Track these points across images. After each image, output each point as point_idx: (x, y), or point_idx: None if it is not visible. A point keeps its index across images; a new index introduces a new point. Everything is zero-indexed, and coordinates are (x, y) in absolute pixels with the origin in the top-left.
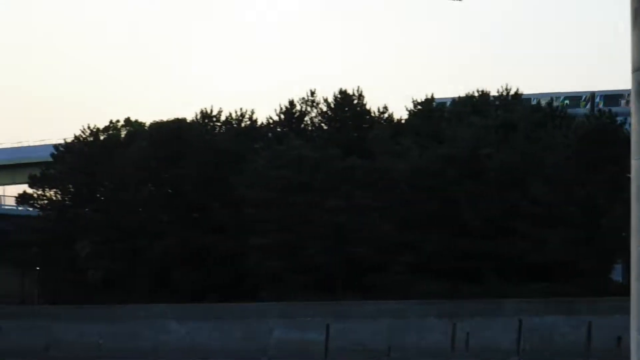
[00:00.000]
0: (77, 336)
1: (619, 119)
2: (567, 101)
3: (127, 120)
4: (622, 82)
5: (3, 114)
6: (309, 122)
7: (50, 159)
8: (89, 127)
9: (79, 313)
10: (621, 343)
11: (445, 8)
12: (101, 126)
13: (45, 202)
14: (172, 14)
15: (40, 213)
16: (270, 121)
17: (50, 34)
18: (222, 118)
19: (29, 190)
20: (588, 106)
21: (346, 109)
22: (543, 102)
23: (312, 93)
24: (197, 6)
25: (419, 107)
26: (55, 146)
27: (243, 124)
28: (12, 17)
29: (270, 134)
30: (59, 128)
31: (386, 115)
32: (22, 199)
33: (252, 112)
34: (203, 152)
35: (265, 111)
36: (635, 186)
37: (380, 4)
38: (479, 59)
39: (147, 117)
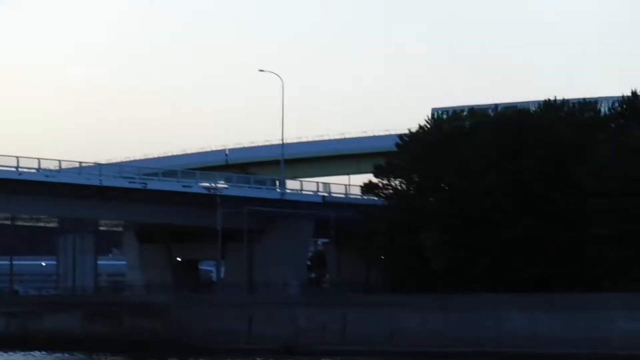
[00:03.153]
0: (420, 324)
1: None
2: None
3: (471, 110)
4: None
5: (348, 106)
6: None
7: (394, 149)
8: (433, 117)
9: (422, 302)
10: None
11: None
12: (445, 116)
13: (390, 191)
14: None
15: (385, 202)
16: (614, 112)
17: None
18: (565, 109)
19: (374, 180)
20: None
21: None
22: None
23: None
24: None
25: None
26: (400, 136)
27: (586, 115)
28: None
29: (612, 125)
30: (403, 118)
31: None
32: (367, 188)
33: (596, 103)
34: (545, 143)
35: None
36: None
37: None
38: None
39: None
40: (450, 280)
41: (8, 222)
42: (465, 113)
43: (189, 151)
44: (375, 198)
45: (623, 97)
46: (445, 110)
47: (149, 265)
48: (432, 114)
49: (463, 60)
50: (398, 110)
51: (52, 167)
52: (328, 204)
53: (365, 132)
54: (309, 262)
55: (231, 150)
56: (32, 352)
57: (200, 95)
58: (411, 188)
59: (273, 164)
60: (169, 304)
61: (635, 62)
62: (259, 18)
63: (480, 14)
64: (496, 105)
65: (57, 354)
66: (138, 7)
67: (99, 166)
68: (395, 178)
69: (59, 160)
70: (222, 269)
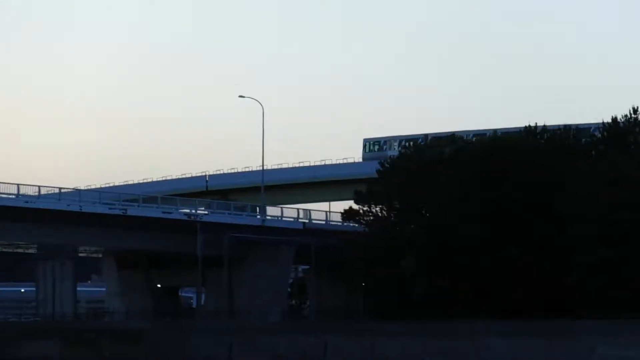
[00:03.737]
0: (400, 352)
1: None
2: None
3: (452, 137)
4: None
5: (328, 132)
6: (632, 140)
7: (375, 175)
8: (413, 145)
9: (402, 329)
10: None
11: None
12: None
13: (371, 218)
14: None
15: (366, 229)
16: (593, 139)
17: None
18: (546, 135)
19: (355, 207)
20: None
21: None
22: None
23: (635, 111)
24: None
25: None
26: (380, 162)
27: (566, 142)
28: None
29: (592, 152)
30: None
31: None
32: (347, 215)
33: (575, 129)
34: (525, 169)
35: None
36: None
37: None
38: None
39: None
40: (431, 307)
41: None
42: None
43: (169, 177)
44: (356, 225)
45: (603, 123)
46: (376, 141)
47: (128, 292)
48: (364, 145)
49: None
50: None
51: (31, 193)
52: (309, 231)
53: (345, 158)
54: (289, 289)
55: (211, 176)
56: None
57: (180, 121)
58: (392, 215)
59: (253, 190)
60: (148, 331)
61: (614, 89)
62: (238, 42)
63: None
64: (426, 135)
65: None
66: (117, 31)
67: (78, 192)
68: (376, 205)
69: (39, 186)
70: (203, 296)
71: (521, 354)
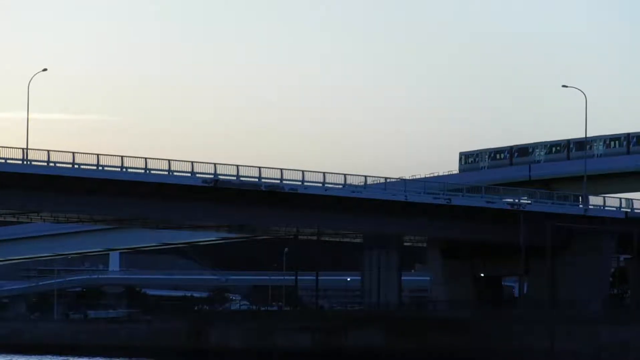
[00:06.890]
0: None
1: None
2: None
3: None
4: None
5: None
6: None
7: None
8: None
9: None
10: None
11: None
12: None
13: None
14: None
15: None
16: None
17: None
18: None
19: None
20: None
21: None
22: None
23: None
24: None
25: None
26: None
27: None
28: None
29: None
30: None
31: None
32: None
33: None
34: None
35: None
36: None
37: None
38: None
39: None
40: None
41: (314, 238)
42: None
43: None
44: None
45: None
46: (470, 154)
47: (452, 281)
48: (460, 157)
49: None
50: None
51: (357, 183)
52: (630, 220)
53: None
54: (610, 279)
55: (534, 165)
56: None
57: (505, 110)
58: None
59: (575, 179)
60: (470, 320)
61: None
62: (559, 34)
63: None
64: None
65: None
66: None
67: (403, 182)
68: None
69: (365, 176)
70: (525, 285)
71: None
